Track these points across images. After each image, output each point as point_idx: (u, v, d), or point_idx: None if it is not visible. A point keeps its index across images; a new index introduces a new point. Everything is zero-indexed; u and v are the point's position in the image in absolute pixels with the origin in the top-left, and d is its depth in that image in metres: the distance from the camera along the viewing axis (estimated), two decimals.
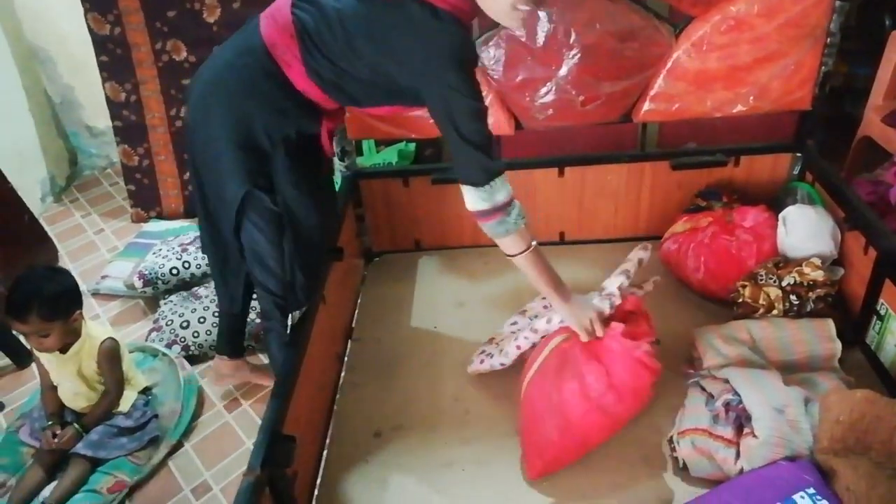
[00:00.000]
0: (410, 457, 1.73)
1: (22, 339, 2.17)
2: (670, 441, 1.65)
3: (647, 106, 2.11)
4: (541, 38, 2.00)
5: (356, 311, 2.27)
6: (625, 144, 2.61)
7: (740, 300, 1.95)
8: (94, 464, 1.88)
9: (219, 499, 1.83)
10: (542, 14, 1.98)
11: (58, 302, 1.76)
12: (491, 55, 2.05)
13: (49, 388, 1.93)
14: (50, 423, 1.87)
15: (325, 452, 1.78)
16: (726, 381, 1.65)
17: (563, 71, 2.03)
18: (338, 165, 2.30)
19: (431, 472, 1.68)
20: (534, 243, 1.61)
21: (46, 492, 1.83)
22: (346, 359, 2.08)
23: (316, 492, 1.68)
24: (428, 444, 1.76)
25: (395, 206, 2.41)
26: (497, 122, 2.13)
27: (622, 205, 2.35)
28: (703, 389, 1.70)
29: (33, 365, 2.32)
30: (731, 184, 2.27)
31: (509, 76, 2.07)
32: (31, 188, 3.13)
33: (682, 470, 1.61)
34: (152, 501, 1.85)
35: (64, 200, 3.31)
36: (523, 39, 2.01)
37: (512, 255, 1.61)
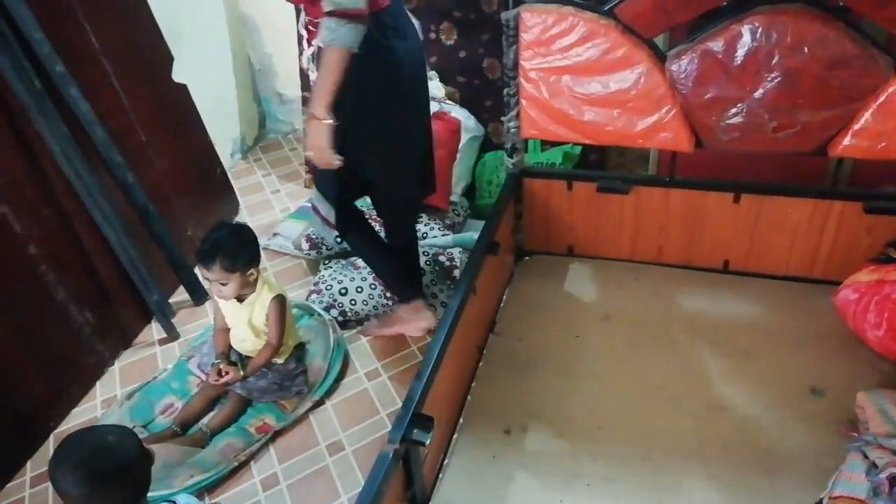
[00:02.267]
0: (537, 461, 1.74)
1: (205, 283, 2.42)
2: (819, 503, 1.54)
3: (847, 140, 1.94)
4: (740, 57, 1.89)
5: (501, 306, 2.30)
6: (808, 179, 2.42)
7: None
8: (247, 404, 2.06)
9: (350, 459, 1.95)
10: (745, 29, 1.87)
11: (239, 256, 1.94)
12: (682, 68, 1.98)
13: (221, 330, 2.13)
14: (218, 360, 2.07)
15: (454, 437, 1.83)
16: (895, 453, 1.49)
17: (759, 93, 1.91)
18: (506, 161, 2.33)
19: (556, 481, 1.68)
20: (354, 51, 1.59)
21: (206, 419, 2.03)
22: (485, 352, 2.12)
23: (441, 475, 1.73)
24: (556, 451, 1.76)
25: (555, 209, 2.40)
26: (676, 137, 2.06)
27: (800, 242, 2.18)
28: (866, 457, 1.56)
29: (207, 304, 2.59)
30: None
31: (698, 92, 1.98)
32: (224, 144, 3.45)
33: None
34: (291, 449, 1.99)
35: (249, 159, 3.62)
36: (720, 56, 1.91)
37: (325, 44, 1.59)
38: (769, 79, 1.89)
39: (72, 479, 1.21)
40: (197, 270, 2.69)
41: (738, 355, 1.99)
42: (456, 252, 2.48)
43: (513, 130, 2.26)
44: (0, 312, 1.95)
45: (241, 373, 2.03)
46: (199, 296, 2.61)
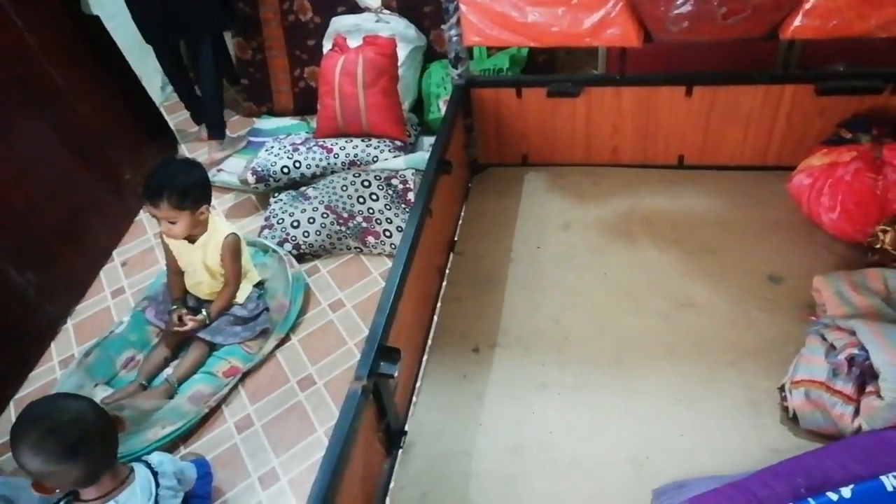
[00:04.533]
0: (507, 375, 1.75)
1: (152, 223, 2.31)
2: (781, 389, 1.58)
3: (798, 21, 1.87)
4: None
5: (459, 224, 2.25)
6: (758, 66, 2.37)
7: (878, 246, 1.78)
8: (211, 349, 2.02)
9: (322, 392, 1.94)
10: None
11: (188, 193, 1.85)
12: None
13: (175, 274, 2.05)
14: (175, 306, 2.01)
15: (423, 361, 1.83)
16: (852, 334, 1.53)
17: None
18: (451, 72, 2.22)
19: (527, 394, 1.70)
20: None
21: (170, 369, 2.00)
22: (447, 272, 2.09)
23: (414, 398, 1.74)
24: (525, 364, 1.77)
25: (506, 118, 2.32)
26: (624, 32, 1.97)
27: (753, 131, 2.16)
28: (824, 339, 1.59)
29: (156, 251, 2.50)
30: (884, 115, 2.03)
31: None
32: (152, 77, 3.23)
33: (791, 420, 1.54)
34: (262, 389, 1.98)
35: None
36: None
37: None
38: None
39: (30, 459, 1.18)
40: (143, 210, 2.58)
41: (699, 251, 2.00)
42: (409, 174, 2.41)
43: (455, 38, 2.14)
44: None
45: (207, 319, 1.98)
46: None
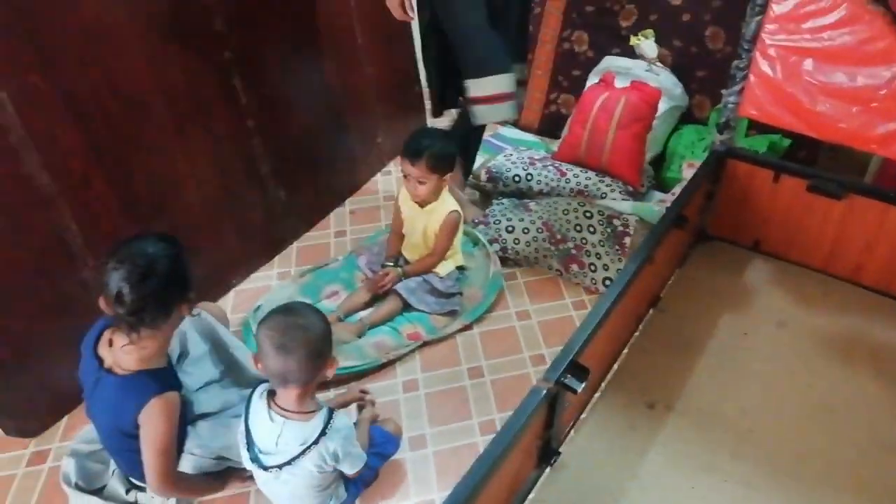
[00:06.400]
0: (676, 442, 1.70)
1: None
2: None
3: None
4: None
5: (669, 284, 2.22)
6: None
7: None
8: (403, 308, 2.17)
9: (486, 386, 2.01)
10: None
11: (443, 158, 2.02)
12: None
13: (396, 234, 2.24)
14: (390, 264, 2.19)
15: (595, 398, 1.83)
16: None
17: None
18: (715, 137, 2.20)
19: (692, 468, 1.64)
20: None
21: (365, 313, 2.17)
22: (642, 325, 2.07)
23: (574, 431, 1.75)
24: (698, 439, 1.71)
25: (753, 198, 2.25)
26: None
27: None
28: None
29: (381, 210, 2.72)
30: None
31: None
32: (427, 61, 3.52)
33: None
34: (435, 362, 2.09)
35: None
36: None
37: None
38: None
39: (264, 337, 1.34)
40: (397, 165, 2.80)
41: None
42: (632, 219, 2.41)
43: (731, 106, 2.12)
44: (216, 174, 2.16)
45: (402, 274, 2.14)
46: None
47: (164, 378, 1.44)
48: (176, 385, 1.48)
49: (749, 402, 1.80)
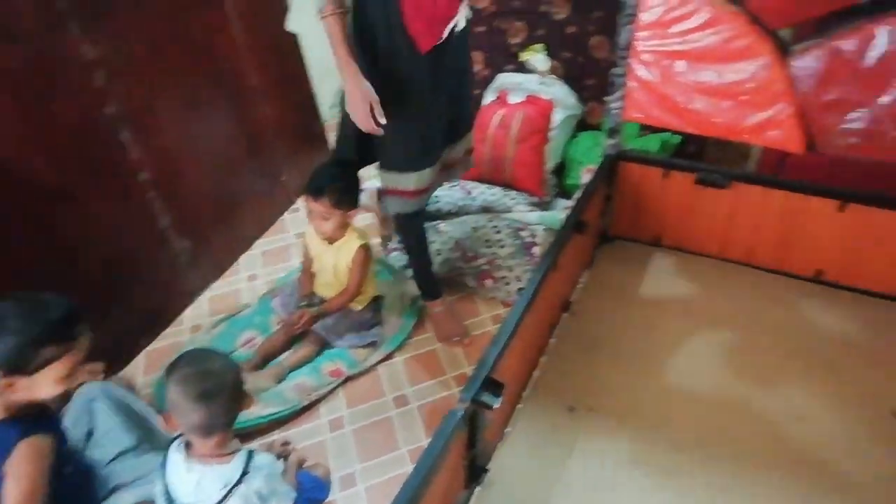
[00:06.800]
0: (598, 441, 1.74)
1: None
2: None
3: None
4: (871, 59, 1.78)
5: (578, 287, 2.28)
6: None
7: None
8: (323, 347, 2.15)
9: (413, 413, 2.00)
10: (880, 31, 1.76)
11: (346, 194, 2.02)
12: (806, 65, 1.88)
13: (307, 273, 2.22)
14: (303, 304, 2.17)
15: (518, 408, 1.85)
16: None
17: (886, 99, 1.81)
18: (605, 142, 2.29)
19: (615, 464, 1.68)
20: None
21: (283, 356, 2.14)
22: (556, 330, 2.12)
23: (500, 442, 1.76)
24: (619, 435, 1.75)
25: (647, 196, 2.35)
26: (788, 137, 1.97)
27: None
28: None
29: (292, 249, 2.70)
30: None
31: (820, 92, 1.88)
32: (325, 97, 3.53)
33: None
34: (358, 396, 2.07)
35: None
36: (850, 57, 1.81)
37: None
38: None
39: (171, 389, 1.31)
40: (300, 202, 2.77)
41: (822, 368, 1.91)
42: (539, 229, 2.48)
43: (615, 111, 2.22)
44: (112, 235, 2.09)
45: (318, 312, 2.12)
46: None
47: (33, 423, 1.36)
48: (52, 430, 1.41)
49: (663, 393, 1.86)
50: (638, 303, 2.20)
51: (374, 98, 1.71)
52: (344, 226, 2.08)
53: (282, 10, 2.75)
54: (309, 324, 2.12)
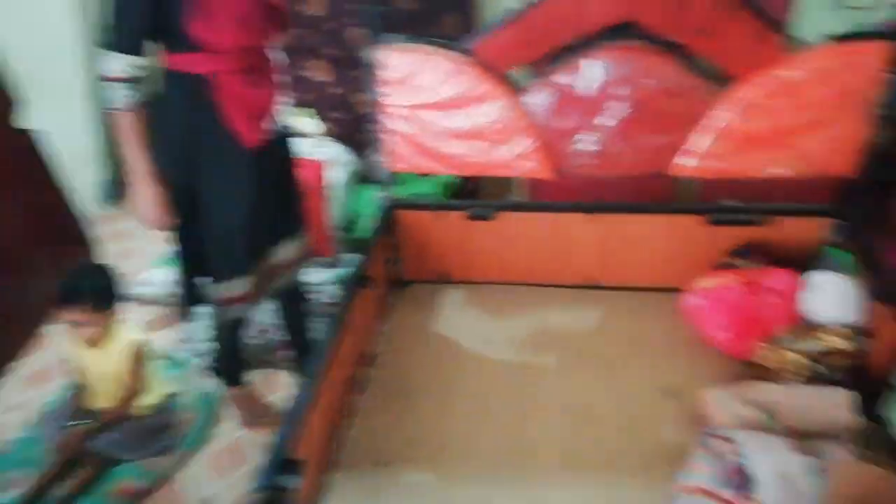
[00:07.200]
0: (414, 493, 1.73)
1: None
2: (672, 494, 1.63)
3: (682, 161, 2.11)
4: (588, 89, 2.03)
5: (380, 338, 2.29)
6: (662, 197, 2.59)
7: (760, 362, 1.95)
8: (108, 466, 1.92)
9: None
10: (591, 64, 2.01)
11: (105, 295, 1.85)
12: (537, 101, 2.09)
13: (81, 389, 1.99)
14: (73, 423, 1.93)
15: (333, 476, 1.79)
16: (734, 442, 1.61)
17: (606, 122, 2.06)
18: (379, 195, 2.36)
19: None
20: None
21: (58, 490, 1.87)
22: (363, 385, 2.09)
23: None
24: (431, 480, 1.76)
25: (428, 238, 2.44)
26: (538, 166, 2.17)
27: (653, 255, 2.34)
28: (710, 448, 1.66)
29: (58, 367, 2.40)
30: (766, 244, 2.24)
31: (553, 123, 2.10)
32: (86, 190, 3.25)
33: None
34: None
35: (119, 204, 3.42)
36: (570, 89, 2.04)
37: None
38: (618, 108, 2.04)
39: None
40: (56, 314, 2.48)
41: (604, 364, 2.09)
42: (331, 289, 2.46)
43: (382, 164, 2.29)
44: None
45: (96, 426, 1.91)
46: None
47: None
48: None
49: (468, 424, 1.91)
50: (440, 341, 2.25)
51: (166, 200, 1.71)
52: (108, 327, 1.90)
53: (9, 106, 2.49)
54: (83, 440, 1.89)
